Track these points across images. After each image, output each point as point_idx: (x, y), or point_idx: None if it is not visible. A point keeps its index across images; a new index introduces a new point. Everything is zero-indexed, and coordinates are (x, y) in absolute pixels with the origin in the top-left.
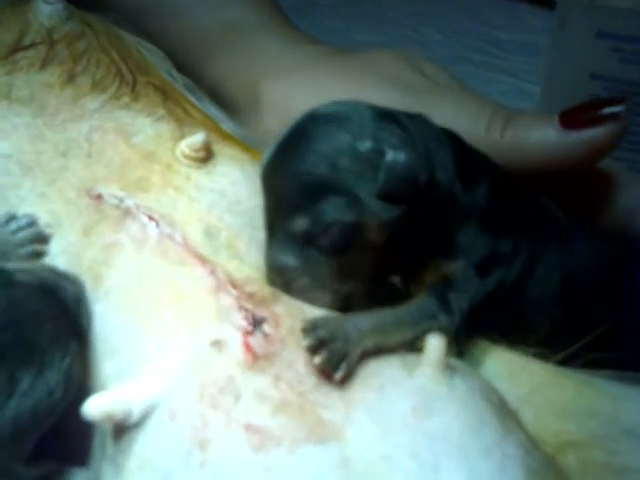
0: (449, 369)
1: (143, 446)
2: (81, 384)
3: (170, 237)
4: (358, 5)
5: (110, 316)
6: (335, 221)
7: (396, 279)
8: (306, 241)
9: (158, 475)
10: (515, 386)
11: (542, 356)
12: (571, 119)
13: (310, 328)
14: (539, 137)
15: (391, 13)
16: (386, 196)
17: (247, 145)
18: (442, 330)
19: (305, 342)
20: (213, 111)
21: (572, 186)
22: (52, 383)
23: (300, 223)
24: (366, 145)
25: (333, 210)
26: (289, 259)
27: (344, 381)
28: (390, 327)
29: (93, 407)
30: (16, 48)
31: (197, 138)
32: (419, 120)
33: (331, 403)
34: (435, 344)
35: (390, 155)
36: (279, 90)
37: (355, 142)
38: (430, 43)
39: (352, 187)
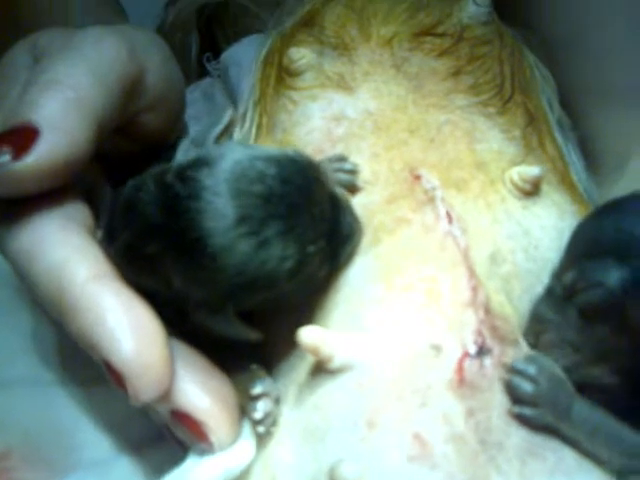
0: None
1: (323, 393)
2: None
3: (455, 239)
4: None
5: (365, 272)
6: (599, 282)
7: None
8: (567, 295)
9: (321, 426)
10: None
11: None
12: None
13: (530, 357)
14: None
15: None
16: None
17: (584, 201)
18: None
19: (514, 362)
20: (572, 156)
21: None
22: (288, 253)
23: (569, 275)
24: None
25: (603, 271)
26: (547, 310)
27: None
28: (601, 437)
29: (308, 335)
30: (428, 32)
31: (531, 171)
32: None
33: (507, 469)
34: None
35: None
36: None
37: None
38: None
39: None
